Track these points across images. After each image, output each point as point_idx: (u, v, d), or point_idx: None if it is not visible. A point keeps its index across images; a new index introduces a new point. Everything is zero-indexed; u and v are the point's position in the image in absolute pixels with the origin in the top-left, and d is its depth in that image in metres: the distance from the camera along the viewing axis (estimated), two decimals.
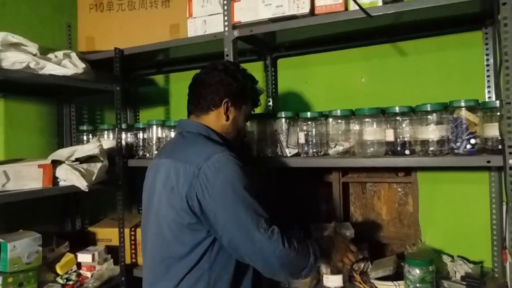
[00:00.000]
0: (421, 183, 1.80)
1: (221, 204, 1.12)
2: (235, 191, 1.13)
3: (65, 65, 1.61)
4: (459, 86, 1.68)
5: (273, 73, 2.03)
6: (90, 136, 2.08)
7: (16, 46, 1.51)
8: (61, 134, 2.07)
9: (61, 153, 1.64)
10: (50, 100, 2.05)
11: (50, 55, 1.63)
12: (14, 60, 1.47)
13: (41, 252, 1.54)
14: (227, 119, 1.31)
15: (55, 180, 1.59)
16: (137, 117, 2.44)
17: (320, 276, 1.58)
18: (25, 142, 1.93)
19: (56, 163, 1.60)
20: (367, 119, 1.46)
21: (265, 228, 1.11)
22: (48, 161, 1.58)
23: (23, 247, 1.47)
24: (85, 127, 2.08)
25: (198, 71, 1.39)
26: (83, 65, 1.66)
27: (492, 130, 1.32)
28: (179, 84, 2.31)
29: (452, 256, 1.63)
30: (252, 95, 1.40)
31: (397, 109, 1.44)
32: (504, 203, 1.46)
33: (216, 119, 1.31)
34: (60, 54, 1.64)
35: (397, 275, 1.52)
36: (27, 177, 1.49)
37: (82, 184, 1.56)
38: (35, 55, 1.55)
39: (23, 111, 1.94)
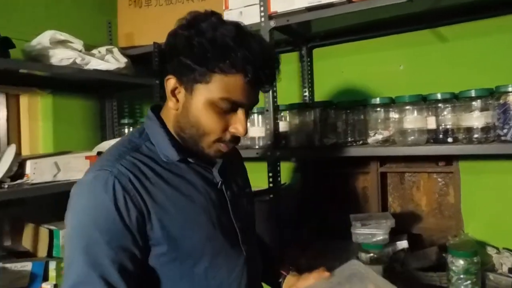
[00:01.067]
0: (463, 173, 1.74)
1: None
2: (70, 237, 0.80)
3: (108, 60, 1.68)
4: (503, 72, 1.61)
5: (308, 63, 2.02)
6: (131, 129, 2.15)
7: (63, 43, 1.58)
8: (103, 128, 2.16)
9: (105, 145, 1.71)
10: (93, 96, 2.14)
11: (94, 51, 1.70)
12: (62, 57, 1.55)
13: None
14: (175, 106, 0.86)
15: None
16: None
17: None
18: (71, 136, 2.03)
19: (100, 155, 1.67)
20: (407, 107, 1.43)
21: None
22: (93, 153, 1.66)
23: None
24: (126, 121, 2.15)
25: None
26: (125, 60, 1.73)
27: None
28: None
29: (497, 248, 1.58)
30: (222, 61, 0.78)
31: (439, 96, 1.41)
32: None
33: (168, 107, 0.88)
34: (103, 49, 1.71)
35: (439, 266, 1.50)
36: (75, 168, 1.57)
37: None
38: (80, 51, 1.62)
39: (69, 106, 2.04)
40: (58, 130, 1.97)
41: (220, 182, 0.92)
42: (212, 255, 0.87)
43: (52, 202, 1.83)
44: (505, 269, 1.43)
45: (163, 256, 0.83)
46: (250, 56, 0.78)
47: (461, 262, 1.36)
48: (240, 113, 0.84)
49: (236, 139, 0.87)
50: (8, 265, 1.39)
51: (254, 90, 0.84)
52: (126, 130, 2.14)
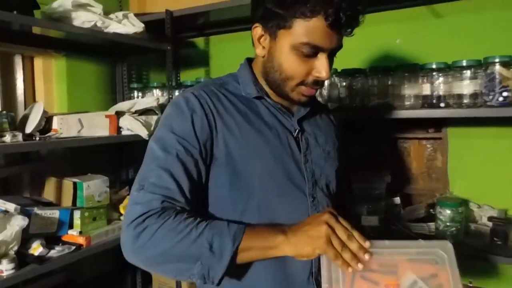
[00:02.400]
0: (451, 138, 1.92)
1: None
2: (153, 137, 0.90)
3: (125, 24, 1.76)
4: (491, 45, 1.75)
5: None
6: (140, 94, 2.25)
7: (83, 6, 1.66)
8: (114, 91, 2.24)
9: (122, 106, 1.82)
10: (105, 60, 2.22)
11: (111, 16, 1.78)
12: (84, 20, 1.62)
13: (109, 193, 1.74)
14: (262, 53, 0.92)
15: (118, 129, 1.77)
16: (178, 78, 2.59)
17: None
18: (84, 98, 2.12)
19: (118, 114, 1.78)
20: (405, 74, 1.58)
21: (140, 186, 0.82)
22: (112, 112, 1.76)
23: (95, 187, 1.67)
24: (135, 85, 2.25)
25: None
26: (142, 25, 1.81)
27: None
28: (219, 46, 2.44)
29: (478, 205, 1.77)
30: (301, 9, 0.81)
31: (433, 66, 1.55)
32: None
33: (256, 56, 0.97)
34: (119, 14, 1.79)
35: (427, 219, 1.69)
36: (97, 125, 1.67)
37: (144, 133, 1.74)
38: (99, 15, 1.70)
39: (82, 69, 2.12)
40: (72, 92, 2.05)
41: (297, 130, 0.96)
42: (270, 189, 0.89)
43: (72, 158, 1.96)
44: (484, 220, 1.63)
45: (221, 178, 0.88)
46: None
47: (448, 211, 1.54)
48: (323, 57, 0.86)
49: (318, 82, 0.90)
50: (39, 212, 1.51)
51: (336, 34, 0.84)
52: (136, 94, 2.24)
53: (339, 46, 0.88)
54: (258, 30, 0.90)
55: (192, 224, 0.76)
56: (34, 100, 2.01)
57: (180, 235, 0.75)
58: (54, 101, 2.02)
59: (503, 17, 1.75)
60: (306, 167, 0.94)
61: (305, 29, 0.82)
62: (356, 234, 0.76)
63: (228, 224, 0.78)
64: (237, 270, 0.80)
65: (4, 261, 1.32)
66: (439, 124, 1.93)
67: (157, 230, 0.75)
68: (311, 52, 0.84)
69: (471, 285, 1.86)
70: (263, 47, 0.90)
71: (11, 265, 1.33)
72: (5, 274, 1.32)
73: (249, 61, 1.00)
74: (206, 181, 0.88)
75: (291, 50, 0.85)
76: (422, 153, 2.07)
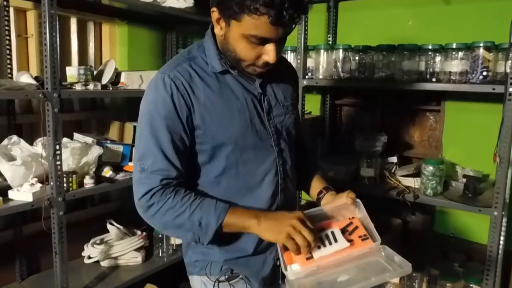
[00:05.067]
0: (448, 111, 2.23)
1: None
2: (141, 118, 1.04)
3: (179, 0, 2.15)
4: (495, 31, 1.89)
5: (334, 14, 2.47)
6: None
7: None
8: (164, 55, 2.67)
9: None
10: (158, 28, 2.63)
11: None
12: None
13: None
14: (220, 33, 1.01)
15: None
16: None
17: None
18: (141, 59, 2.55)
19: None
20: (405, 52, 1.90)
21: (141, 168, 1.02)
22: None
23: None
24: (182, 50, 2.66)
25: None
26: (192, 1, 2.19)
27: (502, 67, 1.72)
28: None
29: (463, 167, 2.10)
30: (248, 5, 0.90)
31: (430, 46, 1.86)
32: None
33: (216, 33, 1.05)
34: None
35: (417, 175, 2.03)
36: None
37: None
38: None
39: (140, 35, 2.55)
40: (132, 54, 2.49)
41: (259, 93, 1.10)
42: (243, 148, 1.07)
43: (129, 107, 2.41)
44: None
45: (204, 145, 1.06)
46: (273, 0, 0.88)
47: (431, 167, 1.89)
48: (271, 45, 0.97)
49: (268, 64, 1.01)
50: (109, 145, 1.98)
51: (280, 28, 0.94)
52: None
53: (287, 34, 0.99)
54: (215, 13, 0.98)
55: (187, 203, 1.00)
56: (101, 60, 2.46)
57: (177, 213, 1.00)
58: (117, 60, 2.47)
59: (488, 7, 2.00)
60: (270, 124, 1.11)
61: (252, 24, 0.92)
62: (310, 238, 0.95)
63: (216, 204, 1.01)
64: (222, 235, 1.04)
65: (87, 177, 1.80)
66: (439, 97, 2.24)
67: (160, 208, 1.00)
68: (259, 42, 0.96)
69: (452, 235, 2.23)
70: (221, 28, 1.00)
71: (92, 181, 1.81)
72: (88, 186, 1.80)
73: (212, 30, 1.07)
74: (192, 150, 1.07)
75: (241, 38, 0.96)
76: (425, 123, 2.39)
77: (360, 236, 1.03)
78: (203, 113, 1.03)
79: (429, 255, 2.12)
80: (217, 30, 1.02)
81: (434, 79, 1.87)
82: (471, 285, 1.84)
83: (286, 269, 0.99)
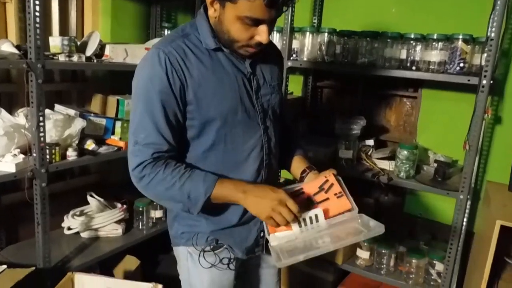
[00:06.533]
0: (424, 98, 2.32)
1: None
2: (135, 93, 1.08)
3: None
4: (475, 24, 1.97)
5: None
6: (169, 32, 2.63)
7: None
8: (148, 28, 2.63)
9: (154, 42, 2.21)
10: (143, 0, 2.58)
11: None
12: None
13: None
14: (214, 15, 1.06)
15: None
16: None
17: None
18: (124, 32, 2.51)
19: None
20: (388, 40, 1.96)
21: (135, 141, 1.07)
22: (150, 45, 2.16)
23: None
24: (166, 24, 2.63)
25: None
26: None
27: (478, 59, 1.81)
28: None
29: (435, 153, 2.21)
30: None
31: (412, 35, 1.92)
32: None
33: (209, 15, 1.09)
34: None
35: (392, 158, 2.13)
36: (138, 55, 2.08)
37: None
38: None
39: (124, 6, 2.50)
40: (115, 26, 2.45)
41: (249, 72, 1.15)
42: (232, 124, 1.11)
43: (111, 80, 2.38)
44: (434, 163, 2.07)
45: (195, 120, 1.09)
46: None
47: (405, 152, 1.98)
48: (263, 26, 1.02)
49: (261, 44, 1.06)
50: (92, 118, 1.97)
51: (273, 10, 0.99)
52: (166, 32, 2.62)
53: (279, 15, 1.04)
54: None
55: (177, 176, 1.05)
56: (82, 31, 2.40)
57: (168, 185, 1.04)
58: (100, 32, 2.41)
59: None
60: (258, 103, 1.17)
61: (248, 6, 0.97)
62: (289, 218, 1.03)
63: (204, 177, 1.06)
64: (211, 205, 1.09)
65: (70, 149, 1.80)
66: (416, 84, 2.32)
67: (151, 179, 1.05)
68: (253, 23, 1.01)
69: (420, 216, 2.36)
70: (215, 10, 1.04)
71: (74, 153, 1.81)
72: (70, 158, 1.80)
73: (205, 9, 1.11)
74: (184, 124, 1.11)
75: (236, 19, 1.00)
76: (402, 109, 2.48)
77: (335, 194, 1.11)
78: (196, 89, 1.06)
79: (398, 233, 2.24)
80: (210, 12, 1.06)
81: (414, 68, 1.94)
82: (434, 261, 1.97)
83: (269, 235, 1.08)
